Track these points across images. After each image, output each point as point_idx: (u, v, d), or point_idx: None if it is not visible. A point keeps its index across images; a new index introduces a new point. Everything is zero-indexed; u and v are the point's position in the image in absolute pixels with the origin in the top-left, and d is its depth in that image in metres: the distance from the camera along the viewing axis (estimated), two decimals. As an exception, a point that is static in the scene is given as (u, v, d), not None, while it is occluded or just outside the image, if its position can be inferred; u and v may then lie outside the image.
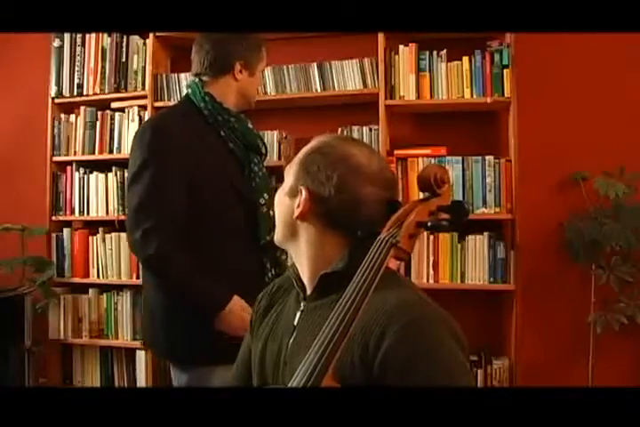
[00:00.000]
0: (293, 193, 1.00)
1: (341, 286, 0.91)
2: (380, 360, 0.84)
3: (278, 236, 1.05)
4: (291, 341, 0.99)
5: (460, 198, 2.41)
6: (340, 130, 2.58)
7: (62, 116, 2.89)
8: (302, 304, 1.01)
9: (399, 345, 0.83)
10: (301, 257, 1.01)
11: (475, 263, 2.43)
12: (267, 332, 1.07)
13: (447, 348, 0.85)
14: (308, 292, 1.01)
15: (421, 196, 1.02)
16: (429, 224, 0.94)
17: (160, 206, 1.56)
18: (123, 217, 2.76)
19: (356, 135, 2.57)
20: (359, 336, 0.84)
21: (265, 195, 1.73)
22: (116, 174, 2.79)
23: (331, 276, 0.96)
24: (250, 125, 1.80)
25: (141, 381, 2.72)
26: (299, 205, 0.97)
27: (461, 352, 0.87)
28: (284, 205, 1.02)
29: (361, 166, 0.96)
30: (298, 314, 1.01)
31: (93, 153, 2.83)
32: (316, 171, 0.97)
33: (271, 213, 1.56)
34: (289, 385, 0.84)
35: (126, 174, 2.69)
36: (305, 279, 1.02)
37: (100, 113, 2.84)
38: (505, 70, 2.43)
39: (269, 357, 1.03)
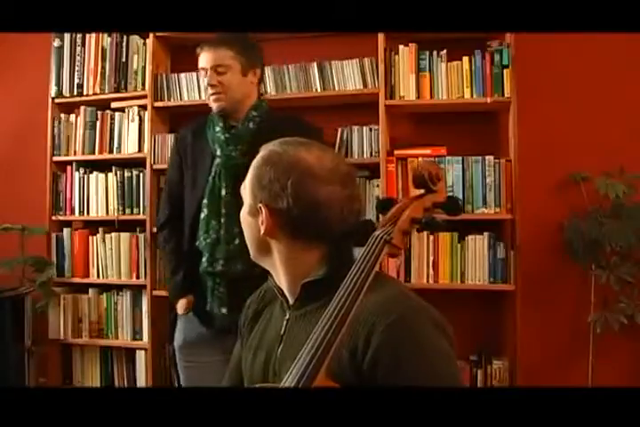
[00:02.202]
0: (254, 212, 0.98)
1: (324, 293, 0.91)
2: (369, 363, 0.84)
3: (252, 254, 1.03)
4: (279, 350, 0.99)
5: (461, 198, 2.41)
6: (340, 130, 2.58)
7: (62, 116, 2.89)
8: (287, 313, 1.01)
9: (386, 348, 0.84)
10: (277, 270, 1.00)
11: (475, 263, 2.43)
12: (256, 342, 1.06)
13: (433, 345, 0.86)
14: (291, 301, 1.00)
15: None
16: (423, 220, 0.95)
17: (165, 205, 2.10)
18: (122, 217, 2.77)
19: (355, 135, 2.57)
20: (347, 339, 0.84)
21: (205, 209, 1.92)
22: (115, 174, 2.79)
23: (312, 284, 0.95)
24: (217, 128, 1.92)
25: (141, 381, 2.72)
26: (262, 222, 0.96)
27: (446, 343, 0.88)
28: (249, 224, 1.00)
29: (312, 168, 0.94)
30: (284, 323, 1.00)
31: (93, 153, 2.84)
32: (269, 183, 0.95)
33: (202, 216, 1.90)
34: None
35: (126, 174, 2.75)
36: (285, 290, 1.01)
37: (99, 113, 2.84)
38: (505, 70, 2.43)
39: (258, 367, 1.02)
